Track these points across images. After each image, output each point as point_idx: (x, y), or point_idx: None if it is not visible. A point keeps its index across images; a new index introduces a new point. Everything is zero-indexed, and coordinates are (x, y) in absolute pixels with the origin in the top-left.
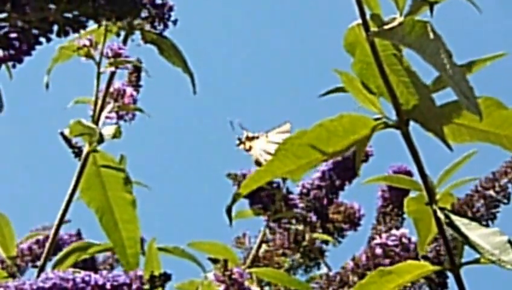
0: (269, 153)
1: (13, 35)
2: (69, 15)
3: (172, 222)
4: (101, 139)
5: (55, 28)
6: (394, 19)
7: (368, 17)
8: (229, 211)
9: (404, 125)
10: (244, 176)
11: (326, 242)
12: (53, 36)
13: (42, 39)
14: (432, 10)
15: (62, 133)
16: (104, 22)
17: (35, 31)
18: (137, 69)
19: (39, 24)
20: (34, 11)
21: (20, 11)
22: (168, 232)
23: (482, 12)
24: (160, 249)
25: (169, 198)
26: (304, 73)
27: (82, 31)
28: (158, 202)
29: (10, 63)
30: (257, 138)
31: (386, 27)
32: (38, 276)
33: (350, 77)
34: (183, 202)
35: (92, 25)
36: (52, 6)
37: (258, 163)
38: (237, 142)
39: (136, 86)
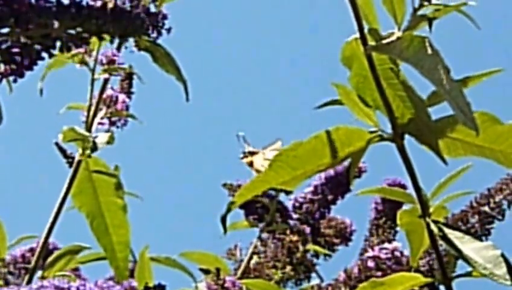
0: None
1: (15, 50)
2: (72, 31)
3: (164, 232)
4: (94, 148)
5: (58, 43)
6: (392, 33)
7: (365, 31)
8: (223, 220)
9: (399, 139)
10: (239, 186)
11: (317, 255)
12: (55, 52)
13: (44, 54)
14: (430, 26)
15: (57, 143)
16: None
17: (37, 46)
18: (129, 76)
19: (42, 40)
20: (37, 27)
21: (23, 26)
22: (160, 243)
23: (480, 28)
24: (152, 259)
25: (161, 207)
26: (301, 85)
27: None
28: (149, 211)
29: (11, 78)
30: (256, 153)
31: (384, 41)
32: (29, 280)
33: (347, 90)
34: (175, 212)
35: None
36: (55, 22)
37: None
38: (241, 155)
39: (128, 93)
